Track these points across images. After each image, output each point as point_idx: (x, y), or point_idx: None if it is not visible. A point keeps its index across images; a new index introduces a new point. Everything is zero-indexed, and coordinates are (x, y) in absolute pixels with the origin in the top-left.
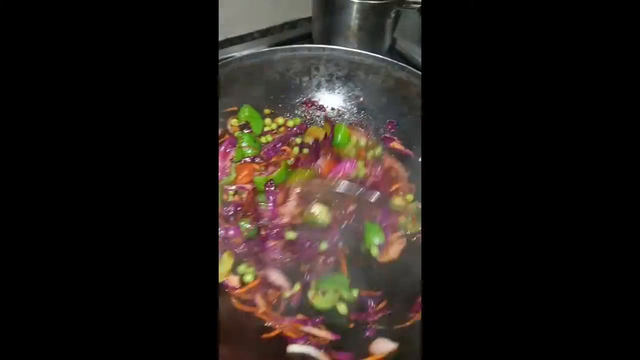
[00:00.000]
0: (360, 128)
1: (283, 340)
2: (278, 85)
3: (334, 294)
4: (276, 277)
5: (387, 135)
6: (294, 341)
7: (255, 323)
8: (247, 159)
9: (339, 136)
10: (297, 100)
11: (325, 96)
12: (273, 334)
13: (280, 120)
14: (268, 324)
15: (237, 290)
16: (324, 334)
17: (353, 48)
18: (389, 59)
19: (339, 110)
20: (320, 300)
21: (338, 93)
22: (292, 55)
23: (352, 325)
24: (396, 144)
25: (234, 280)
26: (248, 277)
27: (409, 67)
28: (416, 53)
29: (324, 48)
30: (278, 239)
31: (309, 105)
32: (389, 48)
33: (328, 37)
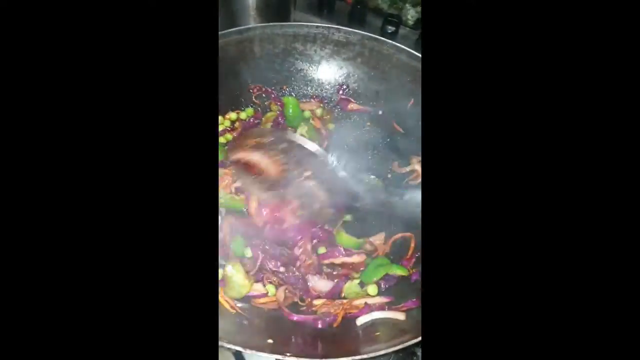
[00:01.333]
0: (311, 99)
1: (348, 322)
2: None
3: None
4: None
5: (343, 97)
6: (356, 316)
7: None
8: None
9: (290, 109)
10: (238, 91)
11: (270, 76)
12: (338, 319)
13: (233, 115)
14: (322, 311)
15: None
16: (378, 299)
17: None
18: (325, 25)
19: (287, 89)
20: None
21: (280, 70)
22: (223, 42)
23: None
24: (354, 105)
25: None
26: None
27: (343, 27)
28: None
29: (255, 27)
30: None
31: (255, 91)
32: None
33: (231, 20)
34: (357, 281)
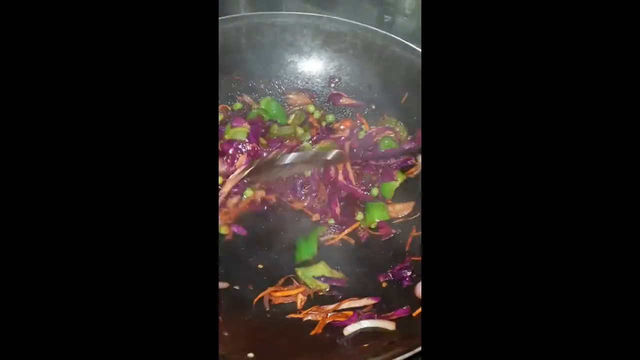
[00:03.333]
0: (302, 92)
1: (335, 329)
2: None
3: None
4: None
5: (334, 92)
6: (343, 325)
7: (298, 324)
8: None
9: (273, 109)
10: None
11: (258, 68)
12: (319, 326)
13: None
14: (307, 318)
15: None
16: (364, 301)
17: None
18: (314, 14)
19: (276, 82)
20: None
21: (268, 62)
22: None
23: (384, 285)
24: (345, 100)
25: None
26: None
27: (335, 17)
28: (310, 11)
29: (242, 17)
30: None
31: (242, 84)
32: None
33: (222, 9)
34: None
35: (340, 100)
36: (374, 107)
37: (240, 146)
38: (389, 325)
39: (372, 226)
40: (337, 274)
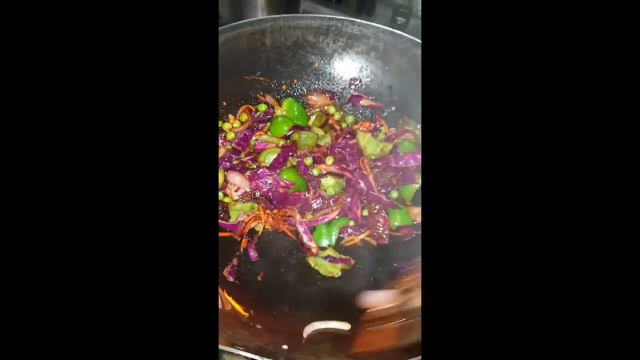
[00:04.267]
0: (323, 94)
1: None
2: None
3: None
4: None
5: (354, 94)
6: None
7: None
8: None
9: (295, 110)
10: (247, 85)
11: (280, 69)
12: None
13: (244, 116)
14: None
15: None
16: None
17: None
18: (338, 17)
19: (298, 82)
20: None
21: (290, 64)
22: (234, 34)
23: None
24: (365, 101)
25: None
26: None
27: (358, 20)
28: (324, 13)
29: (266, 19)
30: None
31: (265, 84)
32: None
33: (239, 11)
34: None
35: (360, 102)
36: (393, 109)
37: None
38: (344, 326)
39: (393, 228)
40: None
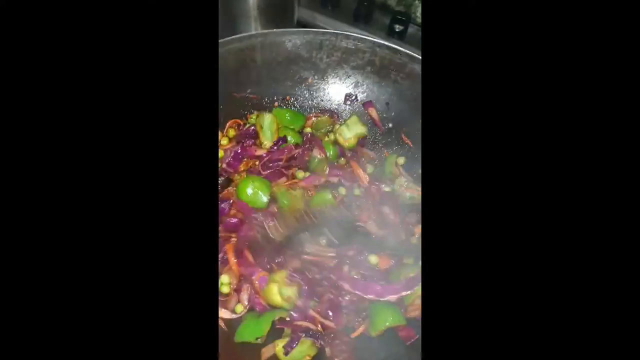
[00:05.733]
0: (320, 112)
1: None
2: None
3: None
4: None
5: (367, 100)
6: None
7: None
8: None
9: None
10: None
11: (272, 86)
12: None
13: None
14: None
15: None
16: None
17: (261, 29)
18: (332, 31)
19: (290, 99)
20: None
21: (282, 80)
22: (223, 50)
23: None
24: (373, 111)
25: None
26: None
27: (353, 34)
28: (319, 20)
29: (256, 35)
30: None
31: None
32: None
33: (231, 24)
34: None
35: (369, 110)
36: (390, 125)
37: None
38: None
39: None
40: None
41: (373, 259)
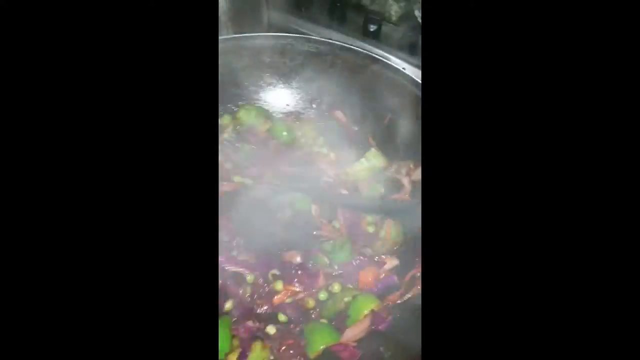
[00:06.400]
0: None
1: None
2: None
3: None
4: None
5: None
6: None
7: None
8: None
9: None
10: None
11: (234, 92)
12: None
13: None
14: None
15: None
16: None
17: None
18: (292, 35)
19: (255, 105)
20: None
21: (246, 85)
22: None
23: None
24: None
25: None
26: None
27: (314, 37)
28: (292, 23)
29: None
30: None
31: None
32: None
33: None
34: None
35: (336, 114)
36: (356, 129)
37: None
38: None
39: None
40: None
41: None
